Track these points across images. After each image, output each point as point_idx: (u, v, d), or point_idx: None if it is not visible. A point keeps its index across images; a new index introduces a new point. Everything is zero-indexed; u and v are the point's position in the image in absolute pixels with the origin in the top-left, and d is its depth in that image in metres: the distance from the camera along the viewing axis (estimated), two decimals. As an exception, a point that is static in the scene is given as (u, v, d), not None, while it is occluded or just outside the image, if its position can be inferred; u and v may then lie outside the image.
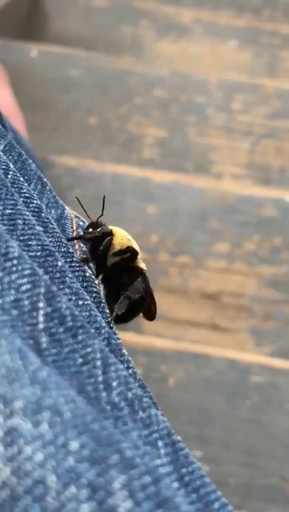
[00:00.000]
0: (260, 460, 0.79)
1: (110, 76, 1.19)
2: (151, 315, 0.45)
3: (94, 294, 0.37)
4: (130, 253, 0.42)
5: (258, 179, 1.13)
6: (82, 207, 0.43)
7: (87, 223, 0.42)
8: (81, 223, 0.42)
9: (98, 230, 0.41)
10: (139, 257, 0.43)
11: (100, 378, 0.29)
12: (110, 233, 0.41)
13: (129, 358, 0.35)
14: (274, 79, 1.31)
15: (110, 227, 0.42)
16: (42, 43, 1.29)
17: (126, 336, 0.81)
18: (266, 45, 1.37)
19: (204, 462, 0.79)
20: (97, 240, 0.40)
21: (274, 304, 0.95)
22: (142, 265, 0.43)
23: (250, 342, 0.94)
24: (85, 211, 0.43)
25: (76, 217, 0.42)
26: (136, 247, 0.42)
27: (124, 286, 0.41)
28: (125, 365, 0.34)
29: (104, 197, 0.42)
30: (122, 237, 0.42)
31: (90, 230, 0.41)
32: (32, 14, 1.41)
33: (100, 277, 0.41)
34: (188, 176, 1.07)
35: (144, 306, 0.43)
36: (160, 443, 0.29)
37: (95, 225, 0.41)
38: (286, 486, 0.78)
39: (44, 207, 0.38)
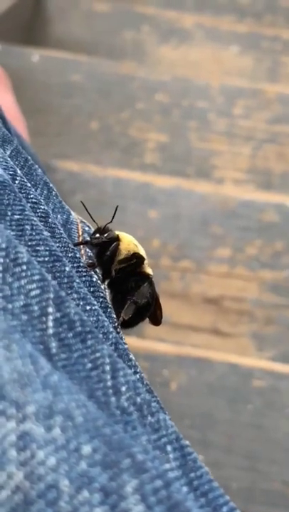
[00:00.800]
0: (262, 464, 0.79)
1: (112, 81, 1.19)
2: (157, 320, 0.45)
3: (101, 299, 0.37)
4: (137, 258, 0.42)
5: (260, 184, 1.14)
6: (87, 211, 0.43)
7: (92, 228, 0.42)
8: (86, 228, 0.42)
9: (105, 235, 0.41)
10: (146, 262, 0.43)
11: (109, 383, 0.29)
12: (117, 238, 0.41)
13: (137, 363, 0.35)
14: (275, 84, 1.32)
15: (117, 232, 0.42)
16: (44, 48, 1.29)
17: (128, 341, 0.81)
18: (267, 51, 1.37)
19: (206, 466, 0.78)
20: (104, 245, 0.41)
21: (275, 309, 0.95)
22: (149, 270, 0.43)
23: (252, 346, 0.94)
24: (91, 216, 0.43)
25: (82, 222, 0.42)
26: (142, 252, 0.43)
27: (131, 292, 0.41)
28: (133, 370, 0.34)
29: (117, 207, 0.42)
30: (128, 243, 0.42)
31: (97, 235, 0.41)
32: (34, 19, 1.41)
33: (107, 282, 0.41)
34: (189, 181, 1.08)
35: (151, 311, 0.43)
36: (169, 447, 0.29)
37: (101, 230, 0.41)
38: (288, 491, 0.78)
39: (51, 212, 0.38)
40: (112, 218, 0.42)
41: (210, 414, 0.81)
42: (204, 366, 0.82)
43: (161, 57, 1.38)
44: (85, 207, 0.42)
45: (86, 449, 0.23)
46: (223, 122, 1.16)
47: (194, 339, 0.95)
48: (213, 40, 1.38)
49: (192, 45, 1.38)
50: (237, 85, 1.21)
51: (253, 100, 1.17)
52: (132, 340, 0.83)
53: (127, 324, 0.41)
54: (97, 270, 0.40)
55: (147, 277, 0.42)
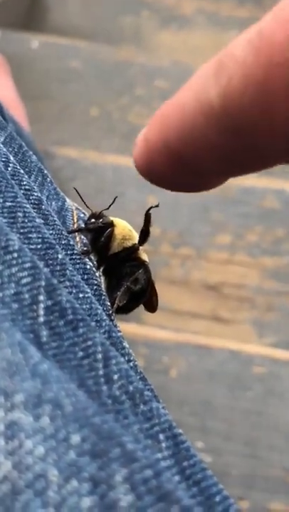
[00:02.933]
0: (262, 451, 0.79)
1: (111, 67, 1.19)
2: (152, 307, 0.45)
3: (95, 287, 0.37)
4: (132, 244, 0.42)
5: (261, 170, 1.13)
6: (81, 198, 0.42)
7: (87, 215, 0.42)
8: (82, 215, 0.42)
9: (100, 220, 0.40)
10: (141, 248, 0.42)
11: (101, 372, 0.29)
12: (112, 224, 0.41)
13: (130, 351, 0.35)
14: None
15: (111, 218, 0.42)
16: (43, 34, 1.29)
17: (127, 327, 0.81)
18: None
19: (206, 453, 0.79)
20: (99, 230, 0.40)
21: (276, 295, 0.95)
22: (144, 256, 0.43)
23: (253, 333, 0.94)
24: (84, 202, 0.43)
25: (77, 209, 0.42)
26: (137, 238, 0.42)
27: (126, 277, 0.41)
28: (126, 358, 0.34)
29: (115, 197, 0.42)
30: (123, 228, 0.42)
31: (92, 220, 0.41)
32: (33, 5, 1.41)
33: (102, 269, 0.41)
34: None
35: (146, 297, 0.43)
36: (161, 436, 0.29)
37: (96, 215, 0.41)
38: (288, 477, 0.78)
39: (45, 199, 0.38)
40: (109, 206, 0.42)
41: (210, 401, 0.81)
42: (204, 353, 0.82)
43: (160, 42, 1.38)
44: (78, 193, 0.42)
45: (75, 439, 0.23)
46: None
47: (194, 326, 0.95)
48: (214, 25, 1.37)
49: (192, 31, 1.38)
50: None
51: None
52: (131, 327, 0.83)
53: (122, 310, 0.41)
54: (92, 257, 0.40)
55: (142, 263, 0.42)
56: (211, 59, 0.24)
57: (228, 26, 1.38)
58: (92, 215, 0.41)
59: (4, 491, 0.22)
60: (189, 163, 0.25)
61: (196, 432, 0.79)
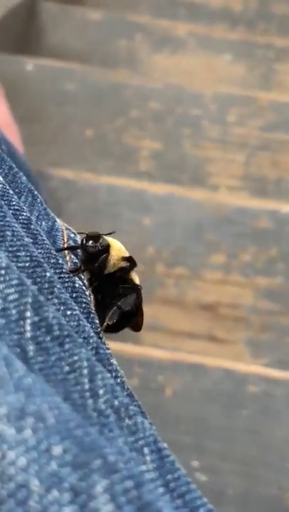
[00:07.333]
0: (258, 470, 0.79)
1: (105, 89, 1.20)
2: (137, 326, 0.45)
3: (83, 305, 0.38)
4: (127, 265, 0.42)
5: (254, 191, 1.14)
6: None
7: (77, 235, 0.43)
8: (72, 235, 0.43)
9: (99, 242, 0.41)
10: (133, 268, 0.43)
11: (87, 386, 0.29)
12: (108, 246, 0.42)
13: (118, 368, 0.35)
14: (268, 91, 1.32)
15: (106, 237, 0.42)
16: (37, 57, 1.30)
17: (123, 347, 0.82)
18: (260, 58, 1.38)
19: (201, 472, 0.79)
20: (96, 253, 0.41)
21: (270, 315, 0.96)
22: (136, 277, 0.43)
23: (248, 353, 0.95)
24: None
25: (67, 229, 0.43)
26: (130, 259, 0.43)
27: (118, 298, 0.42)
28: (113, 374, 0.34)
29: (112, 232, 0.43)
30: (118, 249, 0.42)
31: (90, 242, 0.41)
32: (27, 28, 1.42)
33: (93, 287, 0.41)
34: (184, 188, 1.08)
35: (136, 318, 0.44)
36: (146, 450, 0.30)
37: (93, 237, 0.41)
38: (284, 496, 0.78)
39: (34, 219, 0.39)
40: (110, 233, 0.43)
41: (205, 420, 0.81)
42: (199, 372, 0.82)
43: (154, 65, 1.39)
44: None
45: (57, 450, 0.24)
46: (216, 129, 1.16)
47: (190, 346, 0.95)
48: (206, 48, 1.38)
49: (185, 54, 1.39)
50: (230, 93, 1.21)
51: (247, 108, 1.18)
52: (127, 347, 0.84)
53: (111, 329, 0.41)
54: (82, 276, 0.41)
55: (135, 285, 0.43)
56: None
57: (221, 49, 1.39)
58: (90, 237, 0.42)
59: None
60: None
61: (192, 450, 0.80)
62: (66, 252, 0.41)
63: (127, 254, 0.43)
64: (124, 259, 0.42)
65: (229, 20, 1.52)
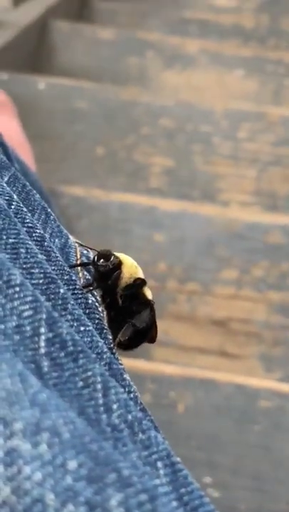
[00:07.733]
0: (269, 485, 0.79)
1: (116, 107, 1.20)
2: (152, 339, 0.45)
3: (96, 321, 0.38)
4: (140, 282, 0.42)
5: (265, 206, 1.14)
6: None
7: (90, 252, 0.43)
8: (85, 252, 0.43)
9: (110, 260, 0.41)
10: (146, 285, 0.43)
11: (101, 401, 0.30)
12: (120, 263, 0.42)
13: (131, 383, 0.36)
14: (279, 107, 1.33)
15: (118, 254, 0.42)
16: (49, 76, 1.30)
17: (136, 363, 0.82)
18: (271, 74, 1.38)
19: (214, 488, 0.79)
20: (108, 271, 0.41)
21: (283, 330, 0.96)
22: (148, 293, 0.43)
23: (260, 368, 0.95)
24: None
25: (80, 245, 0.43)
26: (141, 274, 0.43)
27: (131, 314, 0.42)
28: (126, 390, 0.34)
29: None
30: (130, 266, 0.42)
31: (102, 261, 0.41)
32: (39, 47, 1.43)
33: (106, 303, 0.42)
34: (195, 204, 1.08)
35: (149, 336, 0.44)
36: (159, 464, 0.30)
37: (104, 255, 0.41)
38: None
39: (48, 236, 0.39)
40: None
41: (217, 436, 0.81)
42: (211, 387, 0.82)
43: (165, 82, 1.39)
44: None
45: (72, 464, 0.24)
46: (227, 145, 1.17)
47: (202, 361, 0.95)
48: (218, 65, 1.39)
49: (196, 70, 1.40)
50: (241, 109, 1.22)
51: (258, 123, 1.18)
52: (139, 363, 0.84)
53: (125, 346, 0.41)
54: (95, 292, 0.41)
55: (149, 302, 0.43)
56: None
57: (232, 65, 1.39)
58: (101, 255, 0.42)
59: None
60: None
61: (204, 466, 0.80)
62: (79, 268, 0.41)
63: (138, 270, 0.43)
64: (136, 278, 0.42)
65: (241, 36, 1.53)
